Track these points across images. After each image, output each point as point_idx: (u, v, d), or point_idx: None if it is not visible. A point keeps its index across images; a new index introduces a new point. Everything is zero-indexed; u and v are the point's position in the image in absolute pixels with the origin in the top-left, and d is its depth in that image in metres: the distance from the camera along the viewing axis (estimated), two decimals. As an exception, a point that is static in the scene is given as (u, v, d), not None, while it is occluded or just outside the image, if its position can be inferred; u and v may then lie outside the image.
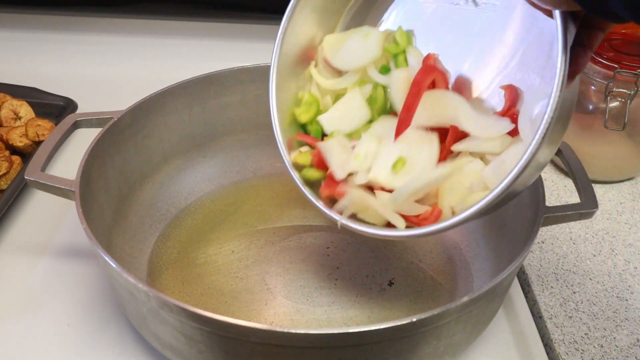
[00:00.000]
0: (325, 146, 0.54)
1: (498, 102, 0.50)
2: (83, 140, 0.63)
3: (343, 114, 0.56)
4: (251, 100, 0.73)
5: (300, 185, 0.54)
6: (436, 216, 0.50)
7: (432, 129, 0.51)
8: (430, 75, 0.52)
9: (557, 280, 0.66)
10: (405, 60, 0.56)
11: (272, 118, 0.56)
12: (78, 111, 0.87)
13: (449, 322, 0.47)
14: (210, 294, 0.62)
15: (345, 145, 0.54)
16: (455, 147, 0.50)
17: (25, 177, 0.58)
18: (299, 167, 0.55)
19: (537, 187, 0.57)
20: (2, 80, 0.88)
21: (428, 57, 0.54)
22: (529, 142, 0.42)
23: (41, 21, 1.03)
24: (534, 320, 0.62)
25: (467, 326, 0.51)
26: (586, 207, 0.57)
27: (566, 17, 0.40)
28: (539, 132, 0.42)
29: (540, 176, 0.58)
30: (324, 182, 0.54)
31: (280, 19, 0.55)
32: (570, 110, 0.46)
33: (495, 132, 0.48)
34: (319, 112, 0.57)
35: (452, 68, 0.54)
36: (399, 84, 0.54)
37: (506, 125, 0.48)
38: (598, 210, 0.57)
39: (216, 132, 0.74)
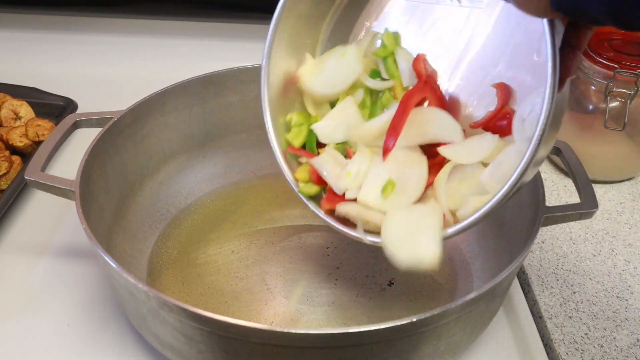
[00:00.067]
0: (318, 162, 0.54)
1: (490, 101, 0.50)
2: (83, 140, 0.63)
3: (337, 123, 0.55)
4: (251, 100, 0.73)
5: (313, 208, 0.54)
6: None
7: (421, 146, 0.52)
8: (419, 95, 0.52)
9: (557, 280, 0.66)
10: (395, 62, 0.55)
11: (272, 146, 0.56)
12: (78, 111, 0.87)
13: (449, 322, 0.47)
14: (210, 294, 0.62)
15: (338, 158, 0.54)
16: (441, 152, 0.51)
17: (25, 177, 0.58)
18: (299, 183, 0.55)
19: (537, 187, 0.57)
20: (2, 80, 0.88)
21: (417, 58, 0.54)
22: (525, 149, 0.43)
23: (41, 21, 1.03)
24: (534, 320, 0.62)
25: (467, 326, 0.51)
26: (586, 207, 0.57)
27: (553, 22, 0.40)
28: (534, 139, 0.42)
29: (540, 176, 0.58)
30: (325, 195, 0.54)
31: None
32: (563, 110, 0.46)
33: (478, 157, 0.49)
34: (310, 131, 0.57)
35: (442, 68, 0.54)
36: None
37: (489, 144, 0.48)
38: (598, 210, 0.57)
39: (216, 132, 0.74)
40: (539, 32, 0.40)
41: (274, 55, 0.55)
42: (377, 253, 0.66)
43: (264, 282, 0.63)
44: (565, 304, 0.63)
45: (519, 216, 0.60)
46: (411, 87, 0.53)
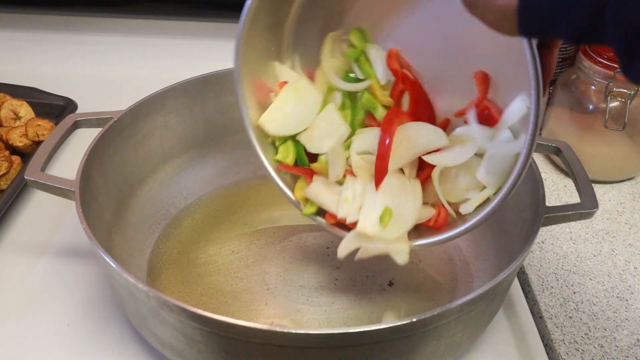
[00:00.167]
0: (312, 193, 0.55)
1: (469, 89, 0.50)
2: (83, 140, 0.63)
3: (322, 132, 0.56)
4: (251, 100, 0.73)
5: (323, 225, 0.56)
6: (444, 217, 0.52)
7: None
8: (397, 120, 0.52)
9: (557, 280, 0.66)
10: (368, 60, 0.55)
11: (270, 173, 0.57)
12: (78, 111, 0.87)
13: (449, 322, 0.47)
14: (210, 294, 0.62)
15: (330, 184, 0.55)
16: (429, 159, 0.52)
17: (25, 177, 0.58)
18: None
19: (537, 187, 0.57)
20: (2, 80, 0.88)
21: (390, 54, 0.54)
22: (521, 155, 0.44)
23: (41, 21, 1.03)
24: (534, 320, 0.62)
25: (467, 326, 0.51)
26: (586, 207, 0.57)
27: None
28: (525, 150, 0.44)
29: (540, 176, 0.58)
30: (327, 213, 0.55)
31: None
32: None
33: (462, 159, 0.50)
34: (297, 142, 0.57)
35: (416, 62, 0.54)
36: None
37: (471, 150, 0.50)
38: (598, 210, 0.57)
39: (216, 132, 0.74)
40: None
41: (244, 79, 0.55)
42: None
43: (264, 282, 0.63)
44: (565, 304, 0.63)
45: (519, 216, 0.60)
46: (388, 111, 0.54)
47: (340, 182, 0.56)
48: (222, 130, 0.75)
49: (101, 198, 0.62)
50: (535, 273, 0.67)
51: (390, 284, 0.63)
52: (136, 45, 1.02)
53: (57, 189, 0.57)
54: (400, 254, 0.52)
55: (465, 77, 0.50)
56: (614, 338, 0.60)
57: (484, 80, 0.49)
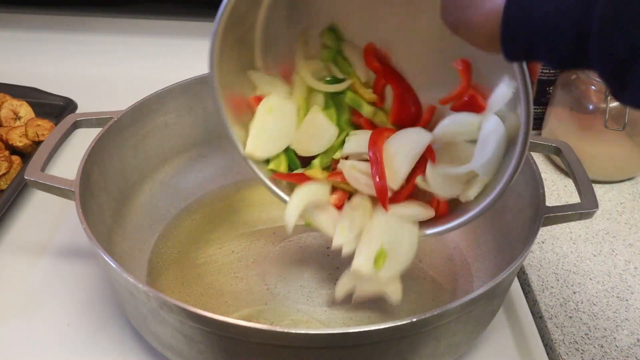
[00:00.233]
0: (315, 221, 0.56)
1: (453, 76, 0.50)
2: (83, 140, 0.63)
3: (310, 135, 0.56)
4: (251, 100, 0.73)
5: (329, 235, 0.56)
6: (444, 205, 0.53)
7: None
8: (381, 139, 0.53)
9: (557, 280, 0.66)
10: (345, 59, 0.55)
11: (271, 188, 0.57)
12: (78, 111, 0.87)
13: (449, 322, 0.47)
14: (210, 294, 0.61)
15: (323, 204, 0.56)
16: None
17: (25, 177, 0.58)
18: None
19: (537, 187, 0.57)
20: (2, 80, 0.88)
21: (367, 51, 0.54)
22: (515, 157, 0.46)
23: (41, 21, 1.03)
24: (534, 321, 0.62)
25: (467, 326, 0.51)
26: (586, 207, 0.57)
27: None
28: (518, 149, 0.45)
29: (540, 176, 0.58)
30: None
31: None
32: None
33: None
34: (289, 154, 0.57)
35: (394, 52, 0.54)
36: None
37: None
38: (598, 210, 0.57)
39: (216, 132, 0.74)
40: None
41: (224, 98, 0.55)
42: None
43: (264, 282, 0.63)
44: (565, 304, 0.63)
45: (519, 216, 0.60)
46: (372, 133, 0.54)
47: (337, 206, 0.56)
48: (222, 130, 0.74)
49: (101, 198, 0.62)
50: (535, 273, 0.67)
51: (390, 284, 0.63)
52: (136, 45, 1.02)
53: (57, 189, 0.57)
54: (394, 295, 0.54)
55: (447, 63, 0.50)
56: (614, 338, 0.60)
57: (466, 68, 0.49)
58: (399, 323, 0.44)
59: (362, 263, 0.52)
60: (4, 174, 0.72)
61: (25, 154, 0.78)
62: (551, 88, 0.83)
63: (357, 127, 0.58)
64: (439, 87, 0.52)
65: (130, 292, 0.50)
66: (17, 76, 0.89)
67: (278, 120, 0.56)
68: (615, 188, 0.80)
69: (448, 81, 0.51)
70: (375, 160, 0.52)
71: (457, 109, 0.51)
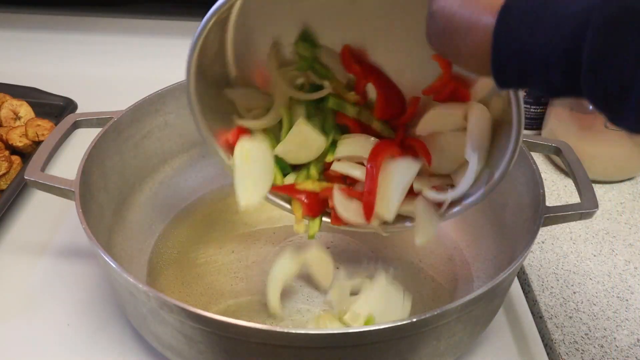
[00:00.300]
0: (310, 271, 0.59)
1: (434, 66, 0.50)
2: (83, 140, 0.63)
3: (297, 145, 0.56)
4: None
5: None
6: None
7: None
8: (381, 156, 0.54)
9: (557, 280, 0.66)
10: (323, 65, 0.55)
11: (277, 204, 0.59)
12: (78, 111, 0.87)
13: (449, 322, 0.47)
14: (210, 294, 0.61)
15: (321, 258, 0.59)
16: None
17: (25, 177, 0.58)
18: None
19: (537, 187, 0.57)
20: (2, 80, 0.88)
21: (343, 55, 0.54)
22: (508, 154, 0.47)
23: (41, 21, 1.03)
24: (534, 320, 0.62)
25: (467, 326, 0.51)
26: (586, 207, 0.57)
27: None
28: (511, 146, 0.46)
29: (540, 176, 0.58)
30: (331, 218, 0.59)
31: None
32: None
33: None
34: (280, 162, 0.58)
35: (372, 50, 0.54)
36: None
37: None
38: (598, 210, 0.57)
39: (216, 132, 0.74)
40: None
41: (207, 127, 0.55)
42: (377, 253, 0.66)
43: (264, 282, 0.63)
44: (565, 304, 0.63)
45: (519, 216, 0.60)
46: (373, 148, 0.55)
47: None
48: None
49: (101, 198, 0.62)
50: (535, 273, 0.67)
51: (390, 284, 0.63)
52: (136, 45, 1.02)
53: (57, 189, 0.57)
54: None
55: (428, 54, 0.50)
56: (614, 338, 0.60)
57: (447, 60, 0.49)
58: (399, 323, 0.44)
59: (350, 319, 0.55)
60: (4, 174, 0.72)
61: (25, 154, 0.78)
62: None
63: (343, 127, 0.58)
64: (422, 78, 0.52)
65: (130, 292, 0.50)
66: (17, 76, 0.89)
67: (257, 162, 0.57)
68: (615, 188, 0.80)
69: (431, 71, 0.51)
70: (370, 174, 0.53)
71: (441, 99, 0.52)
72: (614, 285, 0.66)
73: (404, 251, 0.67)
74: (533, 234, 0.52)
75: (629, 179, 0.81)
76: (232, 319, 0.44)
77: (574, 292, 0.65)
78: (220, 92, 0.56)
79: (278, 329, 0.44)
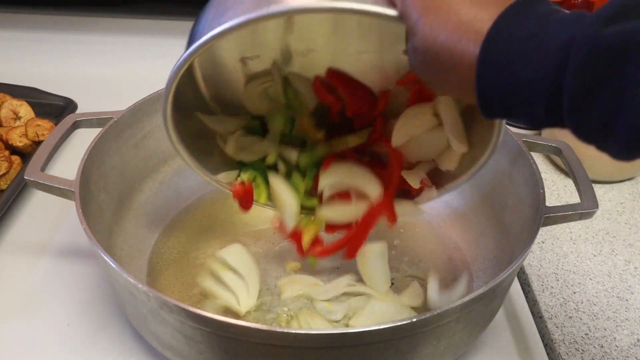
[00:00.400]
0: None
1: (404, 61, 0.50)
2: (83, 140, 0.63)
3: (279, 202, 0.58)
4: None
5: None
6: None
7: None
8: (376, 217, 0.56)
9: (557, 280, 0.66)
10: (298, 97, 0.56)
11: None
12: (78, 111, 0.87)
13: (449, 322, 0.47)
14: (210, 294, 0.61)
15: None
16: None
17: (25, 177, 0.58)
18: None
19: (537, 187, 0.57)
20: (2, 80, 0.88)
21: (316, 84, 0.55)
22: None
23: (41, 21, 1.03)
24: (534, 320, 0.62)
25: (467, 326, 0.51)
26: (586, 207, 0.57)
27: None
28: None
29: (540, 176, 0.58)
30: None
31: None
32: None
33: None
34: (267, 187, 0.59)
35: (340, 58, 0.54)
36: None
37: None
38: (598, 210, 0.57)
39: (216, 132, 0.74)
40: None
41: (186, 150, 0.54)
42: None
43: (264, 282, 0.63)
44: (565, 304, 0.63)
45: (519, 216, 0.60)
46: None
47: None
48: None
49: (101, 198, 0.62)
50: (535, 273, 0.67)
51: (391, 284, 0.63)
52: (136, 45, 1.02)
53: (57, 189, 0.57)
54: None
55: (398, 52, 0.50)
56: (614, 338, 0.60)
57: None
58: (399, 323, 0.44)
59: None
60: (4, 174, 0.72)
61: (25, 154, 0.78)
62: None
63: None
64: (392, 72, 0.52)
65: (130, 292, 0.50)
66: (17, 76, 0.89)
67: (239, 268, 0.60)
68: (615, 188, 0.80)
69: (401, 65, 0.51)
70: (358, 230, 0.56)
71: (408, 104, 0.52)
72: (614, 285, 0.66)
73: (404, 251, 0.67)
74: (533, 234, 0.52)
75: (629, 179, 0.81)
76: (232, 319, 0.44)
77: (574, 292, 0.65)
78: (198, 117, 0.56)
79: (278, 329, 0.44)
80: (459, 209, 0.70)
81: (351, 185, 0.56)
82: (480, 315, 0.52)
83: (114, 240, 0.62)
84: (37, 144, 0.78)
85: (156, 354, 0.56)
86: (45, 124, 0.80)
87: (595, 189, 0.58)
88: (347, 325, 0.58)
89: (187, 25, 0.50)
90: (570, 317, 0.62)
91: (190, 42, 0.45)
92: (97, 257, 0.51)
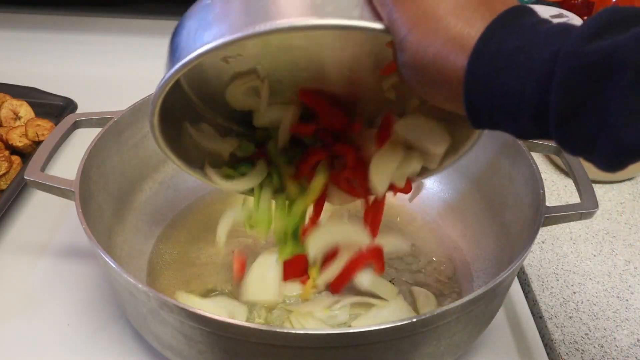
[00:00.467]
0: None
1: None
2: (83, 140, 0.63)
3: (260, 284, 0.59)
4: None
5: None
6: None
7: None
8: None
9: (557, 280, 0.66)
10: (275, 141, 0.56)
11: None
12: (78, 111, 0.87)
13: (449, 322, 0.47)
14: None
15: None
16: None
17: (25, 177, 0.58)
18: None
19: (537, 187, 0.57)
20: (2, 80, 0.88)
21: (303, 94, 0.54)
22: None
23: (41, 21, 1.03)
24: (534, 320, 0.62)
25: (467, 326, 0.51)
26: (586, 207, 0.57)
27: None
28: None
29: (540, 176, 0.58)
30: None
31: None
32: None
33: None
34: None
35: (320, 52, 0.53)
36: None
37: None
38: (598, 210, 0.57)
39: (216, 132, 0.74)
40: None
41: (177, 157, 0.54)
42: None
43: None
44: (565, 304, 0.63)
45: (519, 216, 0.60)
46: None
47: None
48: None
49: (101, 198, 0.62)
50: (535, 273, 0.67)
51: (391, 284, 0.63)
52: (136, 45, 1.02)
53: (57, 189, 0.57)
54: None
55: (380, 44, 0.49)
56: (614, 338, 0.60)
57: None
58: (399, 323, 0.44)
59: None
60: (4, 174, 0.72)
61: (25, 154, 0.78)
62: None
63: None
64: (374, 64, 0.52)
65: (130, 292, 0.50)
66: (17, 76, 0.89)
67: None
68: (615, 188, 0.80)
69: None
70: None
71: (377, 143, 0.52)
72: (614, 285, 0.66)
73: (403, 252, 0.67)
74: (533, 234, 0.52)
75: (629, 179, 0.81)
76: (232, 319, 0.44)
77: (574, 292, 0.65)
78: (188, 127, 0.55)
79: (278, 329, 0.44)
80: (459, 209, 0.70)
81: (340, 241, 0.56)
82: (480, 315, 0.52)
83: (114, 240, 0.62)
84: (37, 144, 0.78)
85: (156, 354, 0.56)
86: (45, 124, 0.80)
87: (595, 189, 0.58)
88: (349, 327, 0.58)
89: (187, 25, 0.50)
90: (570, 317, 0.62)
91: (172, 55, 0.45)
92: (97, 257, 0.51)
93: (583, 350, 0.59)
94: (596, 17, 0.31)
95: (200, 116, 0.55)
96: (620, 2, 0.85)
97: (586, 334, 0.60)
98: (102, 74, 0.99)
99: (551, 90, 0.31)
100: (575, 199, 0.59)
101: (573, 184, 0.61)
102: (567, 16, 0.84)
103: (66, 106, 0.86)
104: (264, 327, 0.44)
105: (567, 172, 0.69)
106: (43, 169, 0.59)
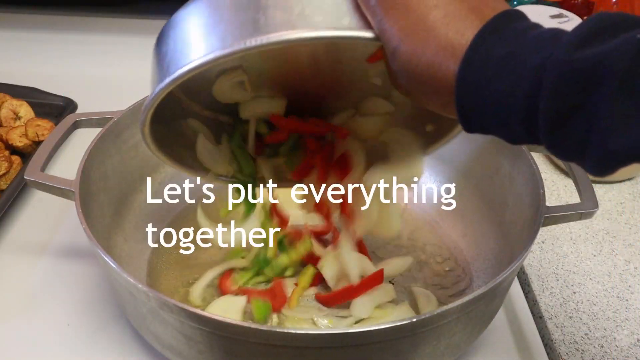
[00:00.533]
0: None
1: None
2: (83, 140, 0.63)
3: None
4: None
5: None
6: None
7: None
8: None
9: (557, 280, 0.66)
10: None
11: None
12: (78, 111, 0.87)
13: (449, 322, 0.47)
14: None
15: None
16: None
17: (25, 177, 0.58)
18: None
19: (537, 187, 0.57)
20: (2, 80, 0.88)
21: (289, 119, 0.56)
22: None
23: (41, 21, 1.03)
24: (534, 320, 0.62)
25: (467, 326, 0.51)
26: (586, 207, 0.57)
27: None
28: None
29: (540, 176, 0.58)
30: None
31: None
32: None
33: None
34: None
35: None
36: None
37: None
38: (598, 210, 0.57)
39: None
40: None
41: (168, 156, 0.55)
42: (377, 253, 0.66)
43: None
44: (565, 304, 0.63)
45: (519, 216, 0.60)
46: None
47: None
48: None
49: (101, 198, 0.62)
50: (535, 273, 0.67)
51: (390, 284, 0.63)
52: (136, 45, 1.02)
53: (57, 189, 0.57)
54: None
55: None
56: (614, 338, 0.60)
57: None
58: (399, 323, 0.44)
59: None
60: (4, 174, 0.72)
61: (25, 154, 0.78)
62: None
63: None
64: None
65: (130, 292, 0.50)
66: (17, 76, 0.89)
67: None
68: (615, 188, 0.80)
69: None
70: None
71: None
72: (614, 285, 0.66)
73: (403, 251, 0.67)
74: (533, 234, 0.52)
75: (629, 179, 0.81)
76: (232, 319, 0.44)
77: (574, 292, 0.65)
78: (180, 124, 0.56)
79: (278, 329, 0.44)
80: (459, 209, 0.70)
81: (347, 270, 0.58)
82: (480, 316, 0.52)
83: (114, 240, 0.62)
84: (37, 144, 0.78)
85: (156, 354, 0.56)
86: (45, 124, 0.80)
87: (595, 189, 0.58)
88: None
89: (187, 25, 0.50)
90: (570, 317, 0.62)
91: (160, 66, 0.45)
92: (97, 257, 0.51)
93: (583, 350, 0.59)
94: (586, 24, 0.31)
95: (188, 111, 0.55)
96: (621, 2, 0.85)
97: (586, 334, 0.60)
98: (102, 74, 0.99)
99: (541, 97, 0.31)
100: (575, 199, 0.59)
101: (573, 184, 0.61)
102: (567, 16, 0.84)
103: (66, 106, 0.86)
104: (264, 327, 0.44)
105: (567, 172, 0.69)
106: (43, 169, 0.59)
